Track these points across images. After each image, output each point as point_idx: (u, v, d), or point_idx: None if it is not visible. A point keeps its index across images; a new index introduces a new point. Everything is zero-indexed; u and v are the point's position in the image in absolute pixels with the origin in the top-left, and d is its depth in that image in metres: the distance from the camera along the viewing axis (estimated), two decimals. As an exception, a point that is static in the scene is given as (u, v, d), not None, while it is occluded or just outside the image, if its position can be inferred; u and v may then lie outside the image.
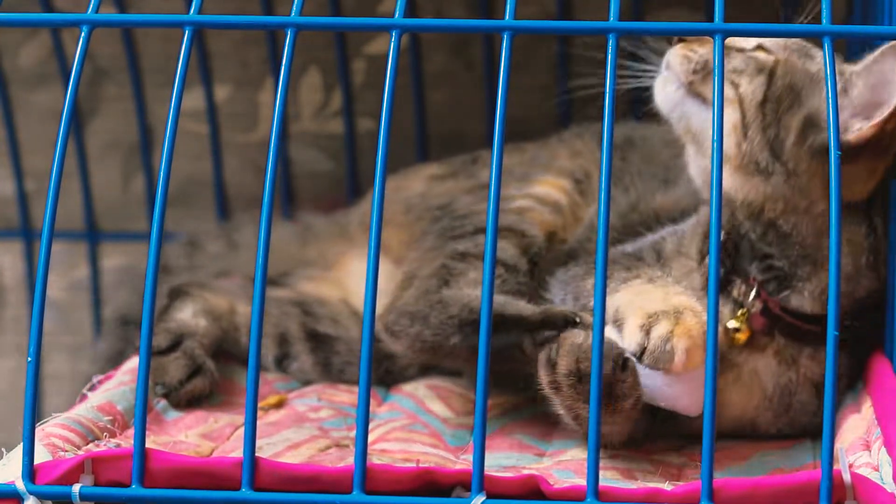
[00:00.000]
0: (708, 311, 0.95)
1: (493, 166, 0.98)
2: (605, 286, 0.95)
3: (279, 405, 1.35)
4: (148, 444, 1.02)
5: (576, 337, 1.13)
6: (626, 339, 1.14)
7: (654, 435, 1.23)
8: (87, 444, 1.12)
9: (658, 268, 1.25)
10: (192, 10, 1.05)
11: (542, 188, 1.43)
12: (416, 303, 1.29)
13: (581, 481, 1.00)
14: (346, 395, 1.39)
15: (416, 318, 1.27)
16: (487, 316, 0.96)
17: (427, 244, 1.43)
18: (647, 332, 1.12)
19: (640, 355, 1.12)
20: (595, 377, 0.95)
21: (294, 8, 1.04)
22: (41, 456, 1.03)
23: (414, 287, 1.33)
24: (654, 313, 1.13)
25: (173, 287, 1.47)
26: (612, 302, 1.18)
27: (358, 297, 1.43)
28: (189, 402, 1.30)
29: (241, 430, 1.22)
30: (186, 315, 1.40)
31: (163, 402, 1.29)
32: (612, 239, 1.36)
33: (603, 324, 0.95)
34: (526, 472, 1.04)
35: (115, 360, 1.54)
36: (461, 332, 1.24)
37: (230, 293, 1.48)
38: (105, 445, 1.12)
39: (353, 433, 1.07)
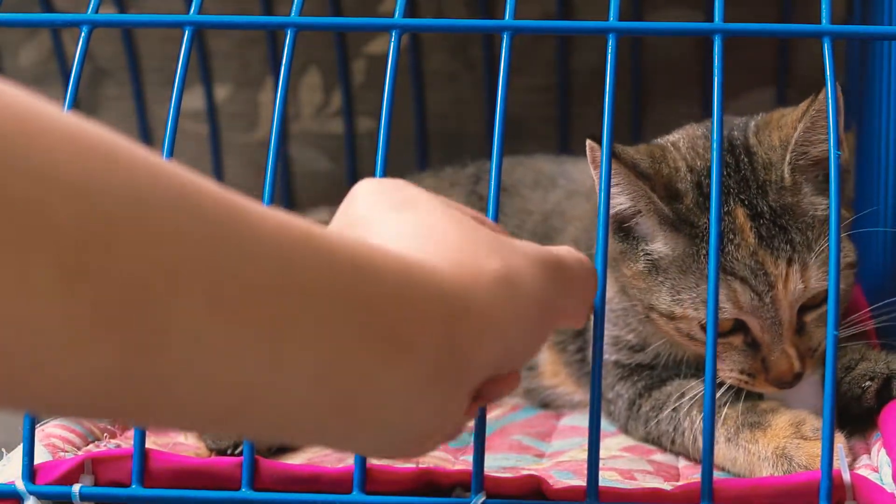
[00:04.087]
0: (708, 311, 0.95)
1: (493, 170, 0.98)
2: (604, 284, 0.95)
3: None
4: (148, 445, 1.02)
5: None
6: None
7: None
8: (88, 444, 1.12)
9: None
10: (192, 10, 1.05)
11: None
12: None
13: (580, 482, 1.00)
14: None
15: None
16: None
17: None
18: None
19: None
20: (595, 377, 0.95)
21: (294, 8, 1.04)
22: (41, 456, 1.03)
23: None
24: None
25: None
26: None
27: None
28: None
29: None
30: None
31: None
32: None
33: (603, 325, 0.95)
34: (525, 472, 1.04)
35: None
36: None
37: None
38: (105, 446, 1.12)
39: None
